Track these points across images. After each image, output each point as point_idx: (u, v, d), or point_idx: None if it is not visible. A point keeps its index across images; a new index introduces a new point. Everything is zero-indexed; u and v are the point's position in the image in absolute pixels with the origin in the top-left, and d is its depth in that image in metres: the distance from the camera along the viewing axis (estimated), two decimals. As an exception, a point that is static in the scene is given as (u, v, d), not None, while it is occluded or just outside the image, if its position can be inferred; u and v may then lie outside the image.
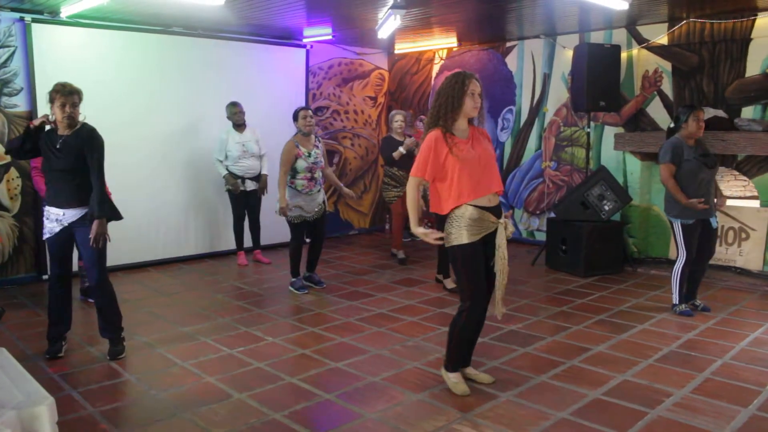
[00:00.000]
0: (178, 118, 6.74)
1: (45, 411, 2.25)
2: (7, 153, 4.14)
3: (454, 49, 8.28)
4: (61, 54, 5.91)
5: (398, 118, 6.62)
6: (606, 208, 6.18)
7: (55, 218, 3.89)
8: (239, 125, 6.47)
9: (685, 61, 6.20)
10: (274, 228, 7.05)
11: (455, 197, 3.28)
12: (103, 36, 6.18)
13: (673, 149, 4.68)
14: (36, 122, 3.85)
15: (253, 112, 6.72)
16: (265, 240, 6.97)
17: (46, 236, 3.95)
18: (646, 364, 3.86)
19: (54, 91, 3.80)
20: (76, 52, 6.00)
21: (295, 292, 5.59)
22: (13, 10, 5.67)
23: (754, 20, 5.71)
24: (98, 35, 6.16)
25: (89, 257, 3.91)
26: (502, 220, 3.33)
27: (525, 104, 7.57)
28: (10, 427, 2.12)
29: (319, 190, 5.55)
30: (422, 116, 8.05)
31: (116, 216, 3.98)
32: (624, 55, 6.51)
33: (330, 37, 7.57)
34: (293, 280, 5.67)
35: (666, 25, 6.28)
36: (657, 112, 6.45)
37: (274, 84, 7.49)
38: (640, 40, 6.50)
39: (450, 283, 5.61)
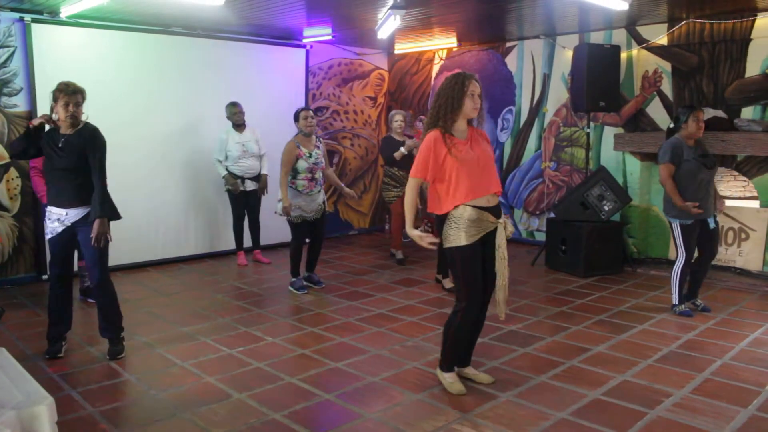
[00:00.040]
0: (177, 118, 6.74)
1: (44, 411, 2.25)
2: (12, 157, 4.15)
3: (454, 49, 8.28)
4: (60, 54, 5.91)
5: (398, 118, 6.63)
6: (606, 208, 6.18)
7: (57, 218, 3.89)
8: (239, 125, 6.47)
9: (685, 62, 6.20)
10: (274, 228, 7.05)
11: (453, 198, 3.28)
12: (102, 36, 6.18)
13: (673, 149, 4.69)
14: (35, 122, 3.85)
15: (252, 112, 6.72)
16: (264, 240, 6.97)
17: (48, 236, 3.95)
18: (646, 365, 3.86)
19: (57, 90, 3.80)
20: (75, 52, 6.00)
21: (295, 292, 5.59)
22: (12, 10, 5.67)
23: (753, 21, 5.72)
24: (98, 35, 6.16)
25: (91, 257, 3.91)
26: (501, 220, 3.34)
27: (525, 104, 7.57)
28: (9, 427, 2.12)
29: (319, 191, 5.56)
30: (422, 116, 8.05)
31: (115, 216, 3.98)
32: (624, 55, 6.52)
33: (330, 37, 7.57)
34: (293, 280, 5.67)
35: (666, 25, 6.29)
36: (657, 112, 6.45)
37: (273, 84, 7.49)
38: (640, 41, 6.50)
39: (448, 283, 5.61)
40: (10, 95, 5.79)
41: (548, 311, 5.01)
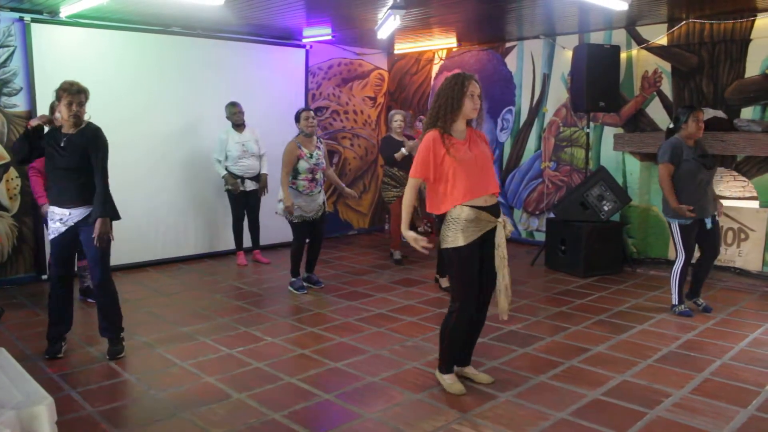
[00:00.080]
0: (177, 117, 6.74)
1: (44, 411, 2.25)
2: (19, 163, 4.17)
3: (454, 49, 8.28)
4: (60, 54, 5.91)
5: (397, 117, 6.63)
6: (605, 208, 6.18)
7: (59, 218, 3.89)
8: (238, 125, 6.47)
9: (685, 62, 6.20)
10: (274, 228, 7.05)
11: (451, 198, 3.29)
12: (102, 36, 6.18)
13: (673, 149, 4.69)
14: (33, 123, 3.84)
15: (252, 112, 6.72)
16: (264, 240, 6.97)
17: (51, 237, 3.94)
18: (646, 365, 3.86)
19: (61, 89, 3.80)
20: (75, 52, 6.00)
21: (295, 292, 5.59)
22: (12, 9, 5.67)
23: (753, 21, 5.72)
24: (97, 35, 6.16)
25: (93, 256, 3.92)
26: (500, 219, 3.34)
27: (524, 105, 7.57)
28: (9, 427, 2.12)
29: (319, 191, 5.56)
30: (422, 116, 8.06)
31: (115, 216, 3.98)
32: (623, 55, 6.52)
33: (329, 37, 7.57)
34: (293, 280, 5.67)
35: (665, 25, 6.29)
36: (656, 112, 6.45)
37: (273, 84, 7.49)
38: (640, 41, 6.51)
39: (445, 282, 5.61)
40: (9, 95, 5.79)
41: (548, 311, 5.01)
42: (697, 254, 4.93)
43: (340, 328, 4.61)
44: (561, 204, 6.43)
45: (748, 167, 5.86)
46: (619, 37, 6.63)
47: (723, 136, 5.60)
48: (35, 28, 5.77)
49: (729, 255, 5.93)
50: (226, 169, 6.43)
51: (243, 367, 3.85)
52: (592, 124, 6.76)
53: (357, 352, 4.12)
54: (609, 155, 6.76)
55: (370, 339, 4.37)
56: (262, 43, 7.39)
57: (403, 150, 6.35)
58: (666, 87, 6.38)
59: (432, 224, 7.95)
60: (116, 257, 5.75)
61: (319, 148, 5.52)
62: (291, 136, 5.58)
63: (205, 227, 7.07)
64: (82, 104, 3.83)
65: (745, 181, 5.97)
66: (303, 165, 5.37)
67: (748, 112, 5.82)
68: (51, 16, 5.85)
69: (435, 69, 8.55)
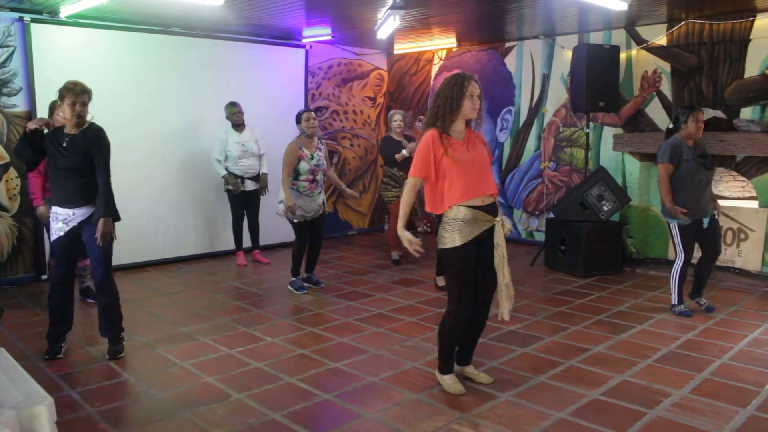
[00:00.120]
0: (177, 118, 6.74)
1: (44, 411, 2.25)
2: (29, 168, 4.19)
3: (454, 49, 8.28)
4: (60, 54, 5.91)
5: (397, 117, 6.63)
6: (605, 208, 6.18)
7: (63, 219, 3.89)
8: (238, 125, 6.47)
9: (684, 62, 6.21)
10: (274, 228, 7.05)
11: (448, 198, 3.29)
12: (102, 36, 6.18)
13: (673, 149, 4.69)
14: (31, 125, 3.80)
15: (252, 112, 6.72)
16: (264, 240, 6.97)
17: (54, 237, 3.94)
18: (645, 365, 3.86)
19: (65, 89, 3.80)
20: (75, 52, 6.00)
21: (295, 292, 5.59)
22: (12, 9, 5.67)
23: (753, 21, 5.72)
24: (97, 35, 6.16)
25: (96, 256, 3.92)
26: (498, 218, 3.34)
27: (524, 105, 7.58)
28: (9, 426, 2.12)
29: (320, 192, 5.57)
30: (421, 116, 8.06)
31: (116, 217, 3.98)
32: (623, 55, 6.52)
33: (329, 37, 7.58)
34: (293, 279, 5.67)
35: (665, 25, 6.29)
36: (656, 112, 6.45)
37: (273, 84, 7.49)
38: (639, 41, 6.51)
39: (441, 281, 5.62)
40: (9, 95, 5.79)
41: (547, 311, 5.01)
42: (698, 254, 4.93)
43: (340, 328, 4.61)
44: (560, 204, 6.44)
45: (748, 167, 5.87)
46: (619, 37, 6.64)
47: (722, 136, 5.60)
48: (35, 28, 5.77)
49: (729, 255, 5.94)
50: (226, 169, 6.43)
51: (243, 367, 3.85)
52: (591, 124, 6.76)
53: (357, 352, 4.12)
54: (608, 155, 6.76)
55: (370, 339, 4.37)
56: (262, 43, 7.39)
57: (404, 152, 6.35)
58: (665, 87, 6.38)
59: (432, 224, 7.95)
60: (116, 257, 5.73)
61: (319, 149, 5.52)
62: (291, 136, 5.58)
63: (204, 227, 7.07)
64: (85, 104, 3.83)
65: (744, 181, 5.97)
66: (304, 166, 5.37)
67: (747, 113, 5.82)
68: (51, 16, 5.85)
69: (435, 69, 8.55)
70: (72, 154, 3.81)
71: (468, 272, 3.31)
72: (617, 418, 3.15)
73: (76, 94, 3.78)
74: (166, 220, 6.74)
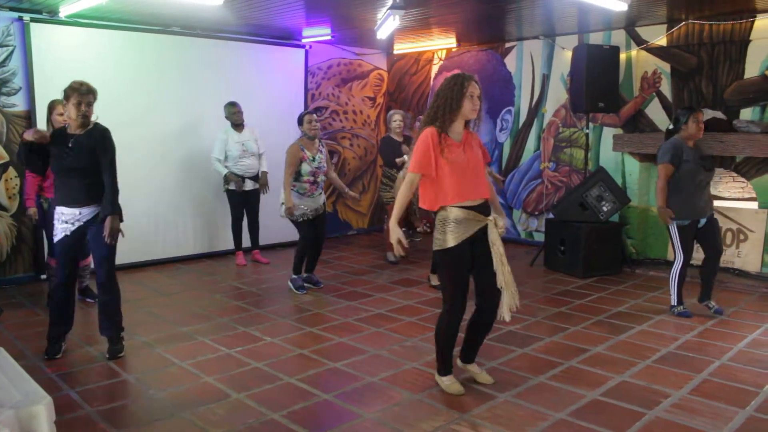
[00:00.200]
0: (176, 117, 6.74)
1: (43, 410, 2.24)
2: (42, 176, 4.22)
3: (453, 49, 8.28)
4: (59, 53, 5.91)
5: (396, 117, 6.63)
6: (604, 209, 6.18)
7: (68, 219, 3.88)
8: (238, 125, 6.47)
9: (684, 63, 6.21)
10: (273, 228, 7.05)
11: (440, 198, 3.30)
12: (101, 36, 6.18)
13: (674, 150, 4.68)
14: (28, 137, 3.74)
15: (251, 112, 6.72)
16: (264, 240, 6.97)
17: (58, 237, 3.92)
18: (644, 365, 3.86)
19: (70, 89, 3.80)
20: (74, 52, 6.00)
21: (294, 291, 5.59)
22: (11, 9, 5.67)
23: (752, 22, 5.72)
24: (97, 35, 6.15)
25: (100, 255, 3.93)
26: (490, 218, 3.34)
27: (524, 105, 7.58)
28: (8, 426, 2.12)
29: (320, 193, 5.57)
30: (421, 117, 8.05)
31: (121, 217, 3.99)
32: (623, 56, 6.53)
33: (329, 37, 7.57)
34: (294, 277, 5.67)
35: (665, 26, 6.29)
36: (656, 113, 6.45)
37: (272, 84, 7.49)
38: (639, 42, 6.51)
39: (435, 280, 5.64)
40: (8, 95, 5.79)
41: (547, 312, 5.01)
42: (698, 254, 4.93)
43: (339, 328, 4.61)
44: (560, 204, 6.44)
45: (747, 168, 5.87)
46: (619, 37, 6.64)
47: (722, 137, 5.61)
48: (34, 27, 5.77)
49: (728, 256, 5.93)
50: (227, 168, 6.43)
51: (242, 367, 3.85)
52: (591, 125, 6.76)
53: (356, 352, 4.12)
54: (608, 156, 6.76)
55: (369, 339, 4.37)
56: (262, 43, 7.39)
57: (405, 158, 6.35)
58: (665, 88, 6.38)
59: (431, 224, 7.95)
60: (116, 257, 5.77)
61: (320, 151, 5.53)
62: (290, 136, 5.59)
63: (204, 227, 7.07)
64: (90, 104, 3.84)
65: (744, 182, 5.97)
66: (305, 168, 5.38)
67: (747, 113, 5.82)
68: (50, 16, 5.85)
69: (434, 69, 8.55)
70: (78, 154, 3.81)
71: (462, 273, 3.31)
72: (616, 418, 3.15)
73: (81, 94, 3.78)
74: (166, 220, 6.74)
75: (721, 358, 3.98)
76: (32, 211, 5.01)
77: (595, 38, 6.81)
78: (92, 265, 4.37)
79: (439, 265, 3.42)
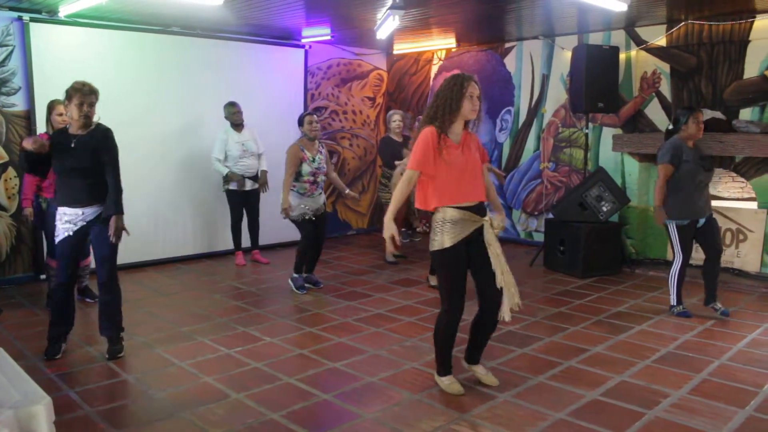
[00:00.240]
0: (176, 117, 6.73)
1: (42, 410, 2.24)
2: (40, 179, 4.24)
3: (453, 49, 8.28)
4: (59, 53, 5.91)
5: (396, 118, 6.63)
6: (604, 209, 6.18)
7: (70, 219, 3.88)
8: (237, 125, 6.47)
9: (684, 63, 6.21)
10: (273, 228, 7.05)
11: (437, 198, 3.30)
12: (101, 35, 6.18)
13: (674, 150, 4.68)
14: (27, 146, 3.72)
15: (251, 112, 6.72)
16: (263, 240, 6.97)
17: (60, 238, 3.92)
18: (644, 365, 3.86)
19: (73, 89, 3.80)
20: (74, 52, 5.99)
21: (295, 290, 5.59)
22: (11, 9, 5.67)
23: (752, 22, 5.73)
24: (97, 35, 6.15)
25: (102, 255, 3.93)
26: (486, 218, 3.34)
27: (523, 105, 7.58)
28: (7, 426, 2.12)
29: (320, 193, 5.58)
30: (420, 117, 8.05)
31: None
32: (622, 56, 6.53)
33: (329, 37, 7.57)
34: (295, 276, 5.66)
35: (664, 26, 6.30)
36: (655, 113, 6.46)
37: (272, 84, 7.49)
38: (639, 42, 6.51)
39: (434, 280, 5.63)
40: (8, 95, 5.79)
41: (546, 312, 5.01)
42: (697, 254, 4.93)
43: (339, 328, 4.61)
44: (560, 204, 6.44)
45: (747, 168, 5.87)
46: (618, 37, 6.64)
47: (721, 137, 5.61)
48: (34, 27, 5.76)
49: (728, 256, 5.93)
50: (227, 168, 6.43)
51: (241, 367, 3.85)
52: (591, 125, 6.76)
53: (355, 352, 4.12)
54: (608, 156, 6.76)
55: (369, 339, 4.37)
56: (262, 43, 7.39)
57: (405, 161, 6.34)
58: (665, 88, 6.39)
59: (431, 224, 7.95)
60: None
61: (320, 152, 5.54)
62: (290, 136, 5.60)
63: (204, 227, 7.06)
64: (92, 105, 3.84)
65: (743, 182, 5.98)
66: (306, 168, 5.38)
67: (746, 113, 5.83)
68: (50, 16, 5.84)
69: (434, 69, 8.55)
70: (80, 155, 3.81)
71: (459, 273, 3.31)
72: (616, 418, 3.15)
73: (84, 94, 3.78)
74: (166, 220, 6.74)
75: (721, 357, 3.98)
76: (28, 211, 5.01)
77: (595, 38, 6.82)
78: (92, 265, 4.37)
79: (436, 265, 3.42)
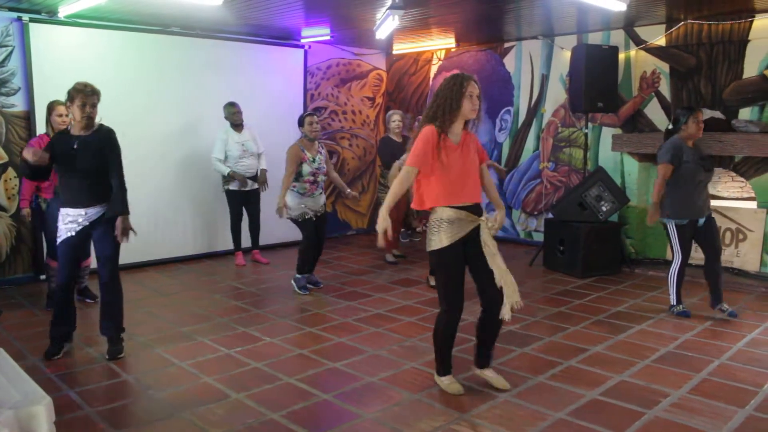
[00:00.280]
0: (176, 118, 6.73)
1: (42, 411, 2.24)
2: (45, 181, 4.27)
3: (453, 49, 8.28)
4: (58, 54, 5.91)
5: (395, 118, 6.63)
6: (603, 208, 6.19)
7: (73, 219, 3.88)
8: (237, 125, 6.47)
9: (683, 63, 6.21)
10: (274, 228, 7.05)
11: (434, 198, 3.30)
12: (101, 36, 6.18)
13: (674, 150, 4.68)
14: (28, 157, 3.72)
15: (251, 112, 6.72)
16: (263, 240, 6.97)
17: (62, 238, 3.91)
18: (644, 365, 3.87)
19: (75, 90, 3.80)
20: (74, 52, 5.99)
21: (297, 290, 5.59)
22: (10, 9, 5.67)
23: (751, 22, 5.73)
24: (96, 35, 6.15)
25: (105, 255, 3.94)
26: (483, 218, 3.34)
27: (523, 105, 7.58)
28: (7, 426, 2.12)
29: (320, 193, 5.58)
30: (419, 117, 8.06)
31: None
32: (622, 56, 6.53)
33: (328, 37, 7.58)
34: (298, 276, 5.65)
35: (664, 26, 6.30)
36: (655, 113, 6.46)
37: (272, 84, 7.49)
38: (638, 42, 6.52)
39: (433, 280, 5.62)
40: (7, 95, 5.79)
41: (546, 311, 5.01)
42: (697, 253, 4.93)
43: (339, 329, 4.61)
44: (559, 204, 6.44)
45: (746, 168, 5.87)
46: (618, 37, 6.64)
47: (721, 137, 5.61)
48: (33, 27, 5.76)
49: (727, 256, 5.94)
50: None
51: (241, 367, 3.85)
52: (590, 125, 6.76)
53: (355, 352, 4.12)
54: (607, 156, 6.77)
55: (369, 339, 4.37)
56: (261, 43, 7.39)
57: (405, 157, 6.35)
58: (664, 88, 6.39)
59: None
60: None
61: (320, 152, 5.54)
62: (290, 136, 5.60)
63: (204, 227, 7.06)
64: (95, 106, 3.85)
65: (743, 181, 5.98)
66: (306, 169, 5.39)
67: (746, 113, 5.83)
68: (49, 16, 5.84)
69: (433, 69, 8.55)
70: (84, 155, 3.81)
71: (457, 273, 3.31)
72: (616, 418, 3.15)
73: (86, 95, 3.79)
74: (166, 220, 6.73)
75: (721, 357, 3.99)
76: (26, 211, 5.02)
77: (594, 38, 6.82)
78: (92, 266, 4.37)
79: (434, 265, 3.42)
